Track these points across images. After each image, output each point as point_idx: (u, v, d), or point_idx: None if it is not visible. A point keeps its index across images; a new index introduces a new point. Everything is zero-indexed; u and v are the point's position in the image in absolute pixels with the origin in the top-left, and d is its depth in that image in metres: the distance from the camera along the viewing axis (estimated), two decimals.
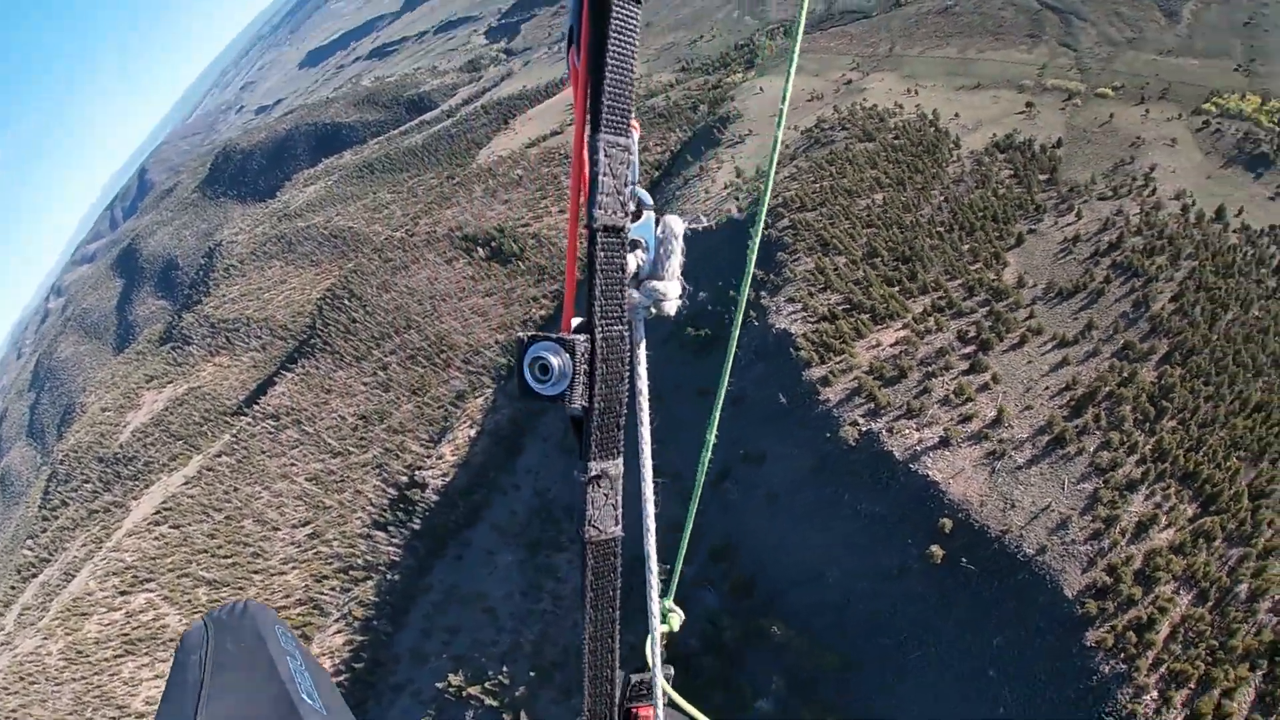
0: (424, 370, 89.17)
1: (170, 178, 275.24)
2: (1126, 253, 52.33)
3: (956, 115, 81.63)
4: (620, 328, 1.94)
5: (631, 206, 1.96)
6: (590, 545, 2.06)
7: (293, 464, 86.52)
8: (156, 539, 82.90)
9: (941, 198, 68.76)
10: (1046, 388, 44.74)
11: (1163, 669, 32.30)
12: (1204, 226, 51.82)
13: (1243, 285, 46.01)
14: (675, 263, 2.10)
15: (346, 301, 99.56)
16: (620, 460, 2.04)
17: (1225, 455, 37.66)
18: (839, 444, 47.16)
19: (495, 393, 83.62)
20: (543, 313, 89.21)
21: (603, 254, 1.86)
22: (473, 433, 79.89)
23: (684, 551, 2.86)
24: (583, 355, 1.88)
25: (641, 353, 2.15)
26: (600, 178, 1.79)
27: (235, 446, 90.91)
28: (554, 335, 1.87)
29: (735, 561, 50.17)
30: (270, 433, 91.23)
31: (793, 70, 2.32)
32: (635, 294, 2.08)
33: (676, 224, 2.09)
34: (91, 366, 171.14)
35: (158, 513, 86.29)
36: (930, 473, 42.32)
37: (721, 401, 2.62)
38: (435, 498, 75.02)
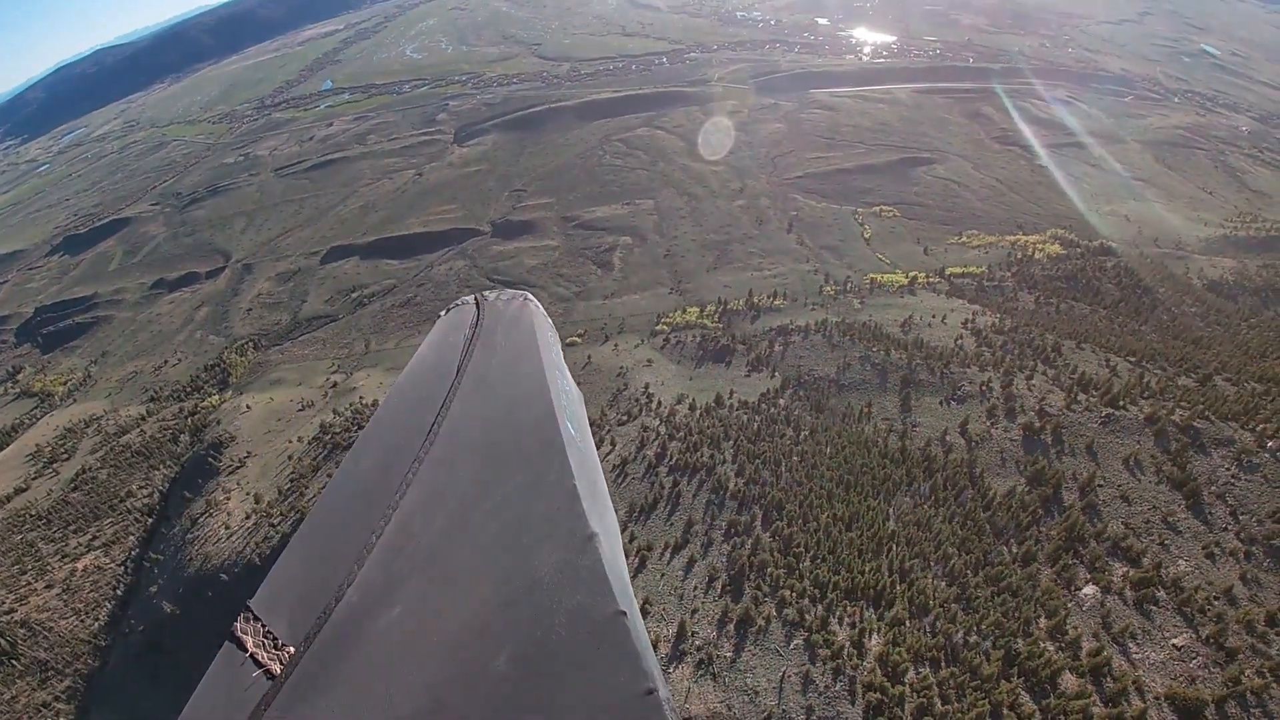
0: None
1: None
2: (674, 456, 57.96)
3: None
4: None
5: None
6: None
7: None
8: None
9: None
10: (695, 587, 44.63)
11: None
12: (714, 413, 61.00)
13: (776, 444, 54.67)
14: None
15: None
16: None
17: (865, 565, 42.04)
18: None
19: None
20: None
21: None
22: None
23: None
24: None
25: None
26: None
27: None
28: None
29: None
30: None
31: None
32: None
33: None
34: None
35: None
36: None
37: None
38: None
